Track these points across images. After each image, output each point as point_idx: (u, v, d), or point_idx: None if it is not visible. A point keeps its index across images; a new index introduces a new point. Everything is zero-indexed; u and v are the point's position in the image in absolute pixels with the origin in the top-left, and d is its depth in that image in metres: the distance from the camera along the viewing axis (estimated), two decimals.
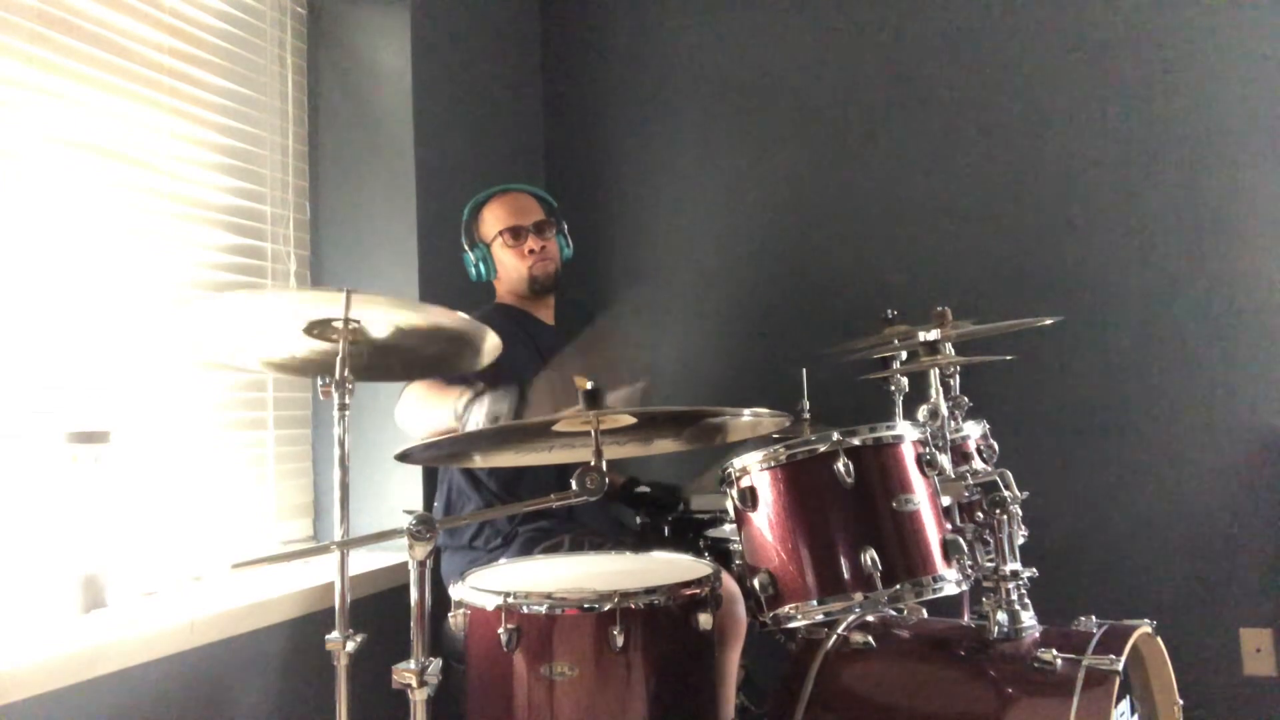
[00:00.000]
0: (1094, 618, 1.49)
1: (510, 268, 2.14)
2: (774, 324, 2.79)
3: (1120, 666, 1.34)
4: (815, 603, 1.46)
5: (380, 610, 1.91)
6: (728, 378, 2.83)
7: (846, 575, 1.45)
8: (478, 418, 1.66)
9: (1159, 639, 1.52)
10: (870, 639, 1.56)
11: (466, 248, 2.17)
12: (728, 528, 1.92)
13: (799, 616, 1.48)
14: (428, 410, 1.81)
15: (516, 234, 2.12)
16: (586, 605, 1.35)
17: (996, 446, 1.86)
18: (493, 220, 2.15)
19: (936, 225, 2.66)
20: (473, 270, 2.17)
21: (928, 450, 1.55)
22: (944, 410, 1.64)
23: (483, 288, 2.28)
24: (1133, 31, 2.51)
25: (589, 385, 1.22)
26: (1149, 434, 2.45)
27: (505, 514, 1.93)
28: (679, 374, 2.88)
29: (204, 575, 1.91)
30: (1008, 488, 1.54)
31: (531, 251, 2.12)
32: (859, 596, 1.44)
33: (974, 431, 1.84)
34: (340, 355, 1.35)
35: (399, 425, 1.90)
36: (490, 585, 1.43)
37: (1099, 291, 2.50)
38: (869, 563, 1.42)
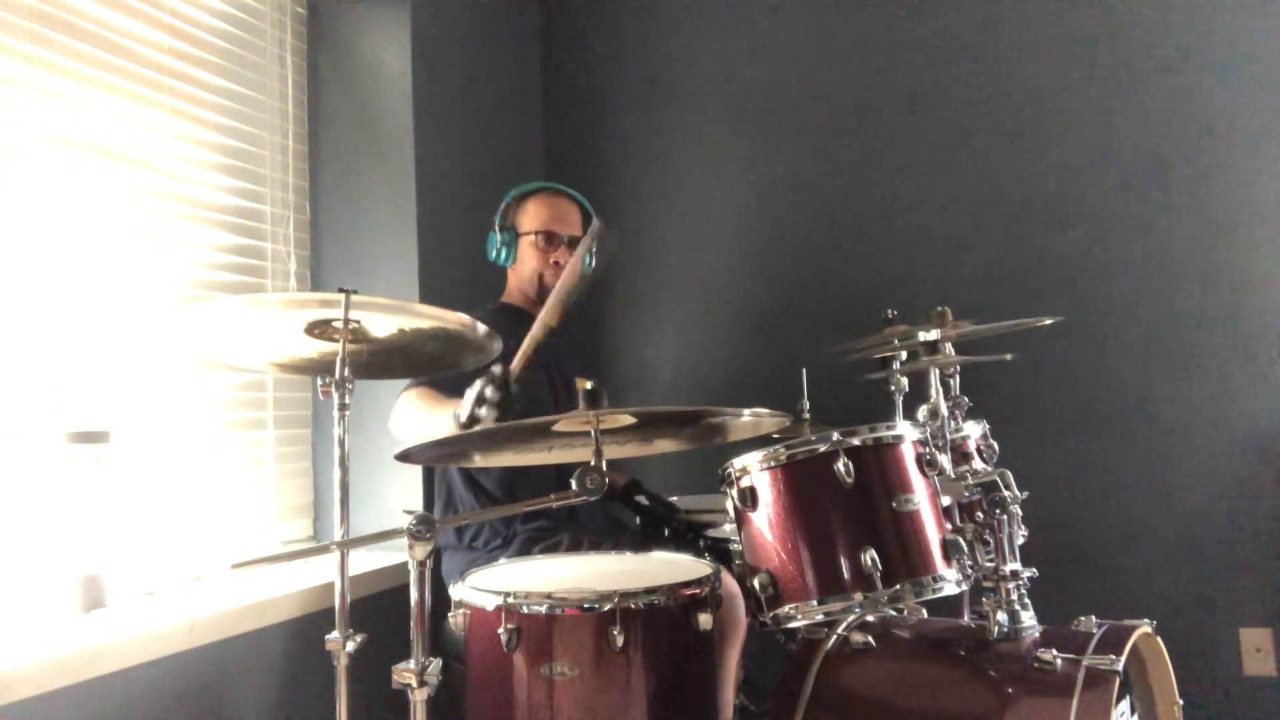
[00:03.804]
0: (1094, 618, 1.49)
1: (529, 267, 2.13)
2: (774, 324, 2.79)
3: (1120, 666, 1.34)
4: (815, 603, 1.46)
5: (380, 610, 1.91)
6: (728, 378, 2.83)
7: (846, 575, 1.45)
8: (468, 404, 1.59)
9: (1159, 639, 1.52)
10: (870, 639, 1.56)
11: (497, 228, 2.15)
12: (728, 528, 1.92)
13: (799, 616, 1.48)
14: (425, 419, 1.78)
15: (550, 239, 2.12)
16: (586, 605, 1.35)
17: (996, 446, 1.86)
18: (534, 215, 2.14)
19: (936, 225, 2.66)
20: (493, 251, 2.16)
21: (928, 450, 1.55)
22: (944, 410, 1.64)
23: (485, 286, 2.28)
24: (1133, 32, 2.51)
25: (589, 385, 1.22)
26: (1149, 434, 2.45)
27: (505, 514, 1.92)
28: (679, 374, 2.88)
29: (204, 575, 1.91)
30: (1008, 488, 1.54)
31: (556, 264, 2.11)
32: (859, 596, 1.44)
33: (974, 431, 1.84)
34: (340, 355, 1.35)
35: (395, 436, 1.88)
36: (490, 585, 1.43)
37: (1099, 291, 2.50)
38: (869, 563, 1.42)
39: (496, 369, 1.61)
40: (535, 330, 1.65)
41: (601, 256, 2.00)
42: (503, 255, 2.15)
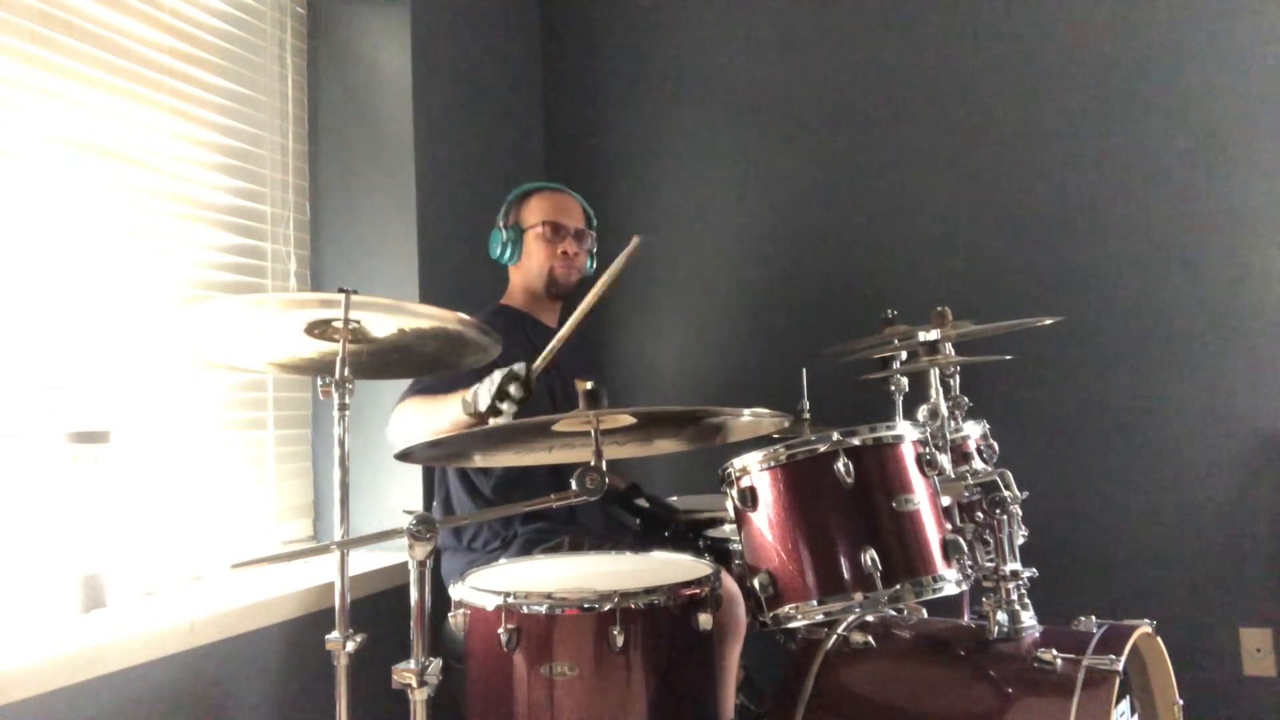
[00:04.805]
0: (1094, 618, 1.49)
1: (536, 261, 2.13)
2: (774, 324, 2.79)
3: (1120, 666, 1.34)
4: (815, 603, 1.46)
5: (380, 610, 1.91)
6: (728, 378, 2.83)
7: (846, 575, 1.45)
8: (489, 388, 1.61)
9: (1159, 639, 1.52)
10: (870, 639, 1.56)
11: (500, 226, 2.16)
12: (728, 528, 1.92)
13: (799, 616, 1.48)
14: (432, 413, 1.78)
15: (557, 230, 2.12)
16: (586, 605, 1.35)
17: (996, 446, 1.86)
18: (539, 209, 2.14)
19: (936, 225, 2.66)
20: (497, 249, 2.15)
21: (928, 450, 1.55)
22: (944, 410, 1.64)
23: (486, 286, 2.28)
24: (1133, 33, 2.51)
25: (589, 385, 1.22)
26: (1149, 434, 2.45)
27: (506, 514, 1.92)
28: (679, 374, 2.88)
29: (204, 575, 1.91)
30: (1008, 488, 1.54)
31: (564, 254, 2.12)
32: (859, 596, 1.44)
33: (974, 431, 1.84)
34: (340, 355, 1.35)
35: (395, 443, 1.86)
36: (490, 585, 1.43)
37: (1099, 291, 2.50)
38: (869, 563, 1.42)
39: (519, 366, 1.61)
40: (564, 331, 1.64)
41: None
42: (507, 253, 2.14)
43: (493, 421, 1.59)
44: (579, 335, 2.32)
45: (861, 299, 2.69)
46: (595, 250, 2.24)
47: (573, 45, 3.10)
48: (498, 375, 1.61)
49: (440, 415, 1.75)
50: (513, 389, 1.58)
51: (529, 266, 2.15)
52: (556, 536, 1.90)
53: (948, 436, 1.64)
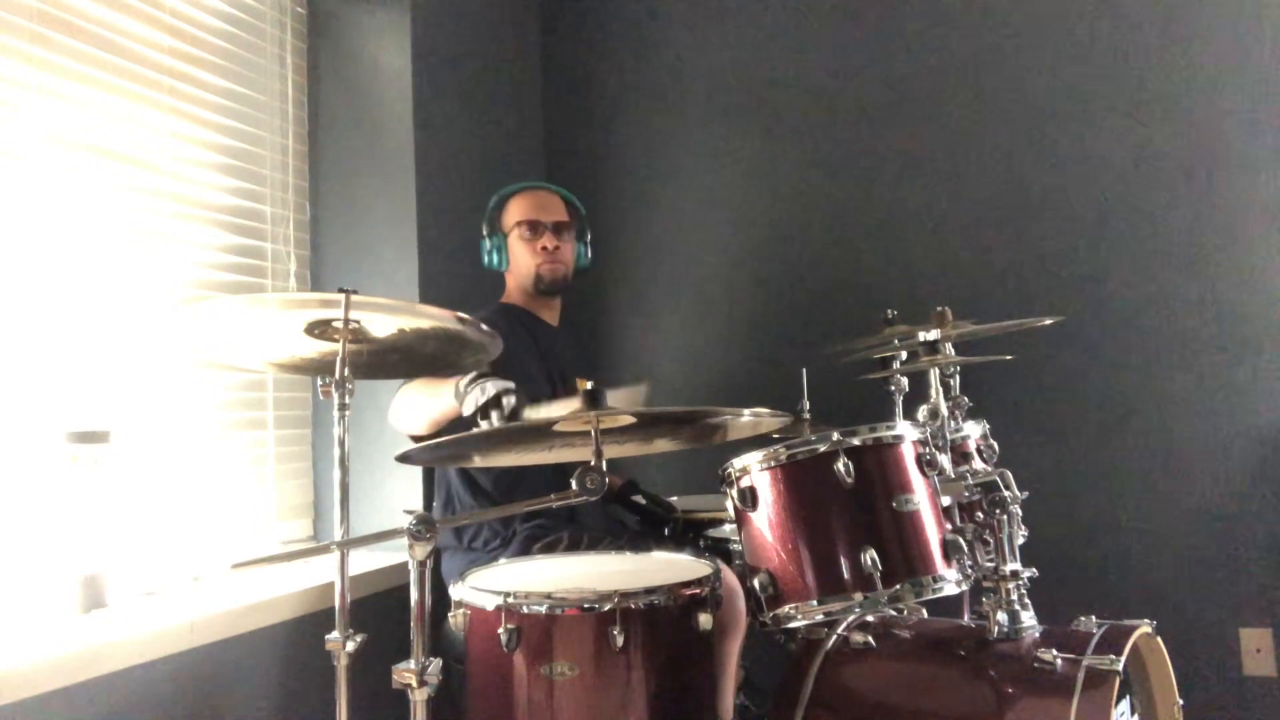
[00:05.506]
0: (1094, 618, 1.49)
1: (521, 262, 2.14)
2: (774, 324, 2.79)
3: (1120, 666, 1.34)
4: (815, 603, 1.46)
5: (380, 610, 1.91)
6: (728, 378, 2.83)
7: (846, 575, 1.45)
8: (478, 397, 1.58)
9: (1159, 639, 1.52)
10: (870, 639, 1.56)
11: (485, 234, 2.17)
12: (728, 528, 1.92)
13: (799, 616, 1.48)
14: (426, 399, 1.77)
15: (533, 228, 2.12)
16: (586, 605, 1.35)
17: (996, 446, 1.86)
18: (515, 210, 2.16)
19: (937, 226, 2.66)
20: (486, 257, 2.17)
21: (928, 450, 1.55)
22: (944, 410, 1.65)
23: (485, 286, 2.28)
24: (1134, 33, 2.52)
25: (589, 385, 1.22)
26: (1149, 434, 2.44)
27: (506, 514, 1.92)
28: (679, 374, 2.88)
29: (204, 575, 1.91)
30: (1008, 488, 1.54)
31: (544, 249, 2.12)
32: (859, 596, 1.44)
33: (974, 431, 1.84)
34: (340, 355, 1.35)
35: (394, 425, 1.88)
36: (490, 585, 1.43)
37: (1099, 291, 2.50)
38: (869, 563, 1.42)
39: (511, 399, 1.56)
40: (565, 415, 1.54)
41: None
42: (495, 259, 2.16)
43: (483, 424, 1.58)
44: (578, 335, 2.34)
45: (861, 299, 2.69)
46: (589, 239, 2.23)
47: (572, 45, 3.10)
48: (491, 387, 1.57)
49: (435, 402, 1.73)
50: (494, 415, 1.55)
51: (517, 269, 2.16)
52: (555, 533, 1.90)
53: (948, 436, 1.65)
